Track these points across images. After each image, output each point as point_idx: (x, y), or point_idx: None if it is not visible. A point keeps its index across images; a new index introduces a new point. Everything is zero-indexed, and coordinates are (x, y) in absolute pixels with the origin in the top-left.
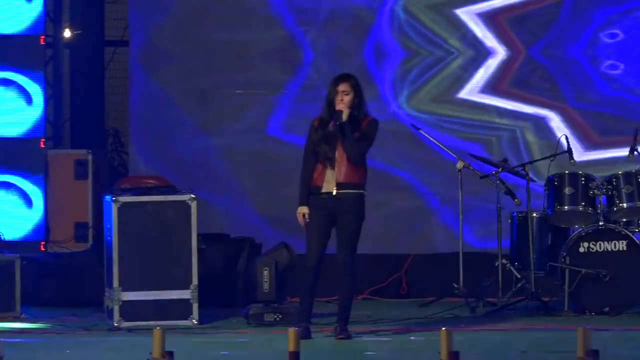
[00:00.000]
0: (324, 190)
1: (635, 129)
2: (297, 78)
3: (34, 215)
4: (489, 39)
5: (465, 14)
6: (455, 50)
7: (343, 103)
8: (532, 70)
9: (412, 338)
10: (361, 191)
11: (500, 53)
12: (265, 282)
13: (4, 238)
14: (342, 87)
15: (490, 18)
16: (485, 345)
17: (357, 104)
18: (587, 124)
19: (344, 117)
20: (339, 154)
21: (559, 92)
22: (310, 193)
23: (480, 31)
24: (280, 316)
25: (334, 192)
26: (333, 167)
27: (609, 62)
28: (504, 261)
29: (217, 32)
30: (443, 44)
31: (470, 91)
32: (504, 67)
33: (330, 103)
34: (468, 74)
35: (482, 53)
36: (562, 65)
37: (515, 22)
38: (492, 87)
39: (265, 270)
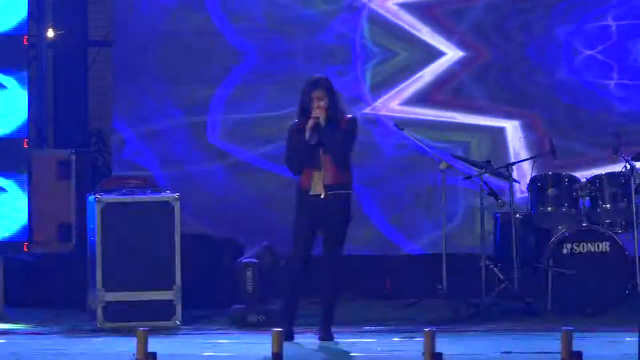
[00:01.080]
0: (311, 192)
1: (616, 131)
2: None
3: (17, 215)
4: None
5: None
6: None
7: (319, 109)
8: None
9: (395, 339)
10: (349, 191)
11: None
12: (249, 283)
13: None
14: (316, 93)
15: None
16: (468, 346)
17: (333, 105)
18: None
19: (322, 122)
20: (324, 157)
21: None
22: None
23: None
24: (263, 317)
25: (322, 195)
26: (320, 170)
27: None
28: (487, 262)
29: (200, 33)
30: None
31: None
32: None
33: (305, 109)
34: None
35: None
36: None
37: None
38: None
39: (249, 271)
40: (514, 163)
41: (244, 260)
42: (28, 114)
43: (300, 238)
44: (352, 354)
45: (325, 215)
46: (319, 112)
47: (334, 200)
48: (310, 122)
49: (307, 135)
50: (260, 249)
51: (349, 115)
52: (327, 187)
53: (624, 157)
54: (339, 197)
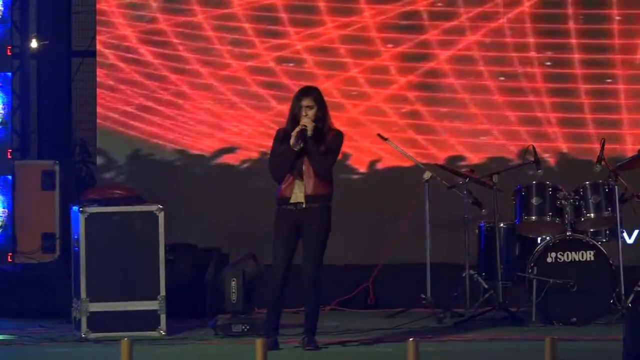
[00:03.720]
0: (292, 201)
1: (602, 140)
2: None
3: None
4: None
5: None
6: None
7: (307, 117)
8: None
9: (379, 349)
10: (328, 203)
11: None
12: (233, 292)
13: None
14: (306, 101)
15: None
16: (453, 355)
17: (322, 117)
18: None
19: (309, 131)
20: (306, 166)
21: None
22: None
23: None
24: (247, 327)
25: (304, 205)
26: (301, 179)
27: None
28: (472, 272)
29: (185, 42)
30: None
31: None
32: None
33: (294, 117)
34: None
35: None
36: None
37: None
38: None
39: (233, 281)
40: (497, 172)
41: (228, 270)
42: (11, 124)
43: (281, 247)
44: None
45: (305, 224)
46: (307, 121)
47: (313, 209)
48: (297, 129)
49: (292, 140)
50: (245, 259)
51: (335, 130)
52: (307, 197)
53: (607, 167)
54: (318, 208)
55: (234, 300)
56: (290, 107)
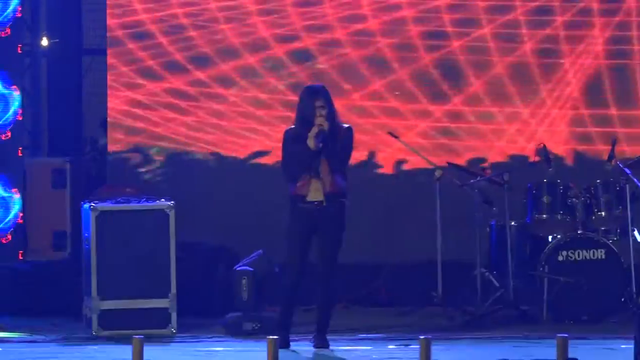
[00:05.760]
0: (309, 199)
1: (613, 138)
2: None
3: (12, 223)
4: None
5: None
6: None
7: (322, 118)
8: None
9: (390, 347)
10: (345, 201)
11: None
12: (244, 291)
13: None
14: (319, 102)
15: None
16: (464, 354)
17: (332, 115)
18: None
19: (326, 130)
20: (323, 165)
21: None
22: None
23: None
24: (258, 325)
25: (324, 203)
26: (318, 177)
27: None
28: (483, 270)
29: (196, 37)
30: None
31: None
32: None
33: (305, 117)
34: None
35: None
36: None
37: None
38: None
39: (244, 279)
40: (508, 170)
41: (239, 268)
42: (22, 122)
43: (296, 246)
44: None
45: (321, 222)
46: (322, 121)
47: (330, 207)
48: (316, 130)
49: (311, 143)
50: (256, 257)
51: (346, 125)
52: (326, 195)
53: (619, 165)
54: (335, 205)
55: (244, 298)
56: (298, 108)
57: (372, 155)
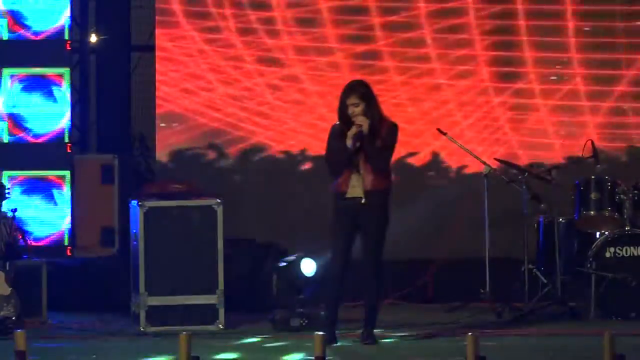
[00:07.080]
0: (349, 195)
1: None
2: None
3: (61, 220)
4: None
5: None
6: None
7: (361, 116)
8: None
9: (438, 343)
10: (387, 197)
11: None
12: (275, 286)
13: (32, 237)
14: (351, 100)
15: None
16: (512, 350)
17: (371, 112)
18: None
19: (365, 130)
20: (364, 162)
21: None
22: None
23: None
24: (306, 321)
25: (363, 201)
26: (359, 173)
27: None
28: (530, 266)
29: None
30: None
31: None
32: None
33: (342, 114)
34: None
35: None
36: None
37: None
38: None
39: (288, 275)
40: (555, 167)
41: (283, 265)
42: (71, 119)
43: (339, 242)
44: (394, 358)
45: (362, 218)
46: (361, 120)
47: (370, 204)
48: (354, 130)
49: (349, 143)
50: (301, 254)
51: (390, 121)
52: (366, 193)
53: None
54: (376, 201)
55: (274, 293)
56: (339, 104)
57: (420, 151)
